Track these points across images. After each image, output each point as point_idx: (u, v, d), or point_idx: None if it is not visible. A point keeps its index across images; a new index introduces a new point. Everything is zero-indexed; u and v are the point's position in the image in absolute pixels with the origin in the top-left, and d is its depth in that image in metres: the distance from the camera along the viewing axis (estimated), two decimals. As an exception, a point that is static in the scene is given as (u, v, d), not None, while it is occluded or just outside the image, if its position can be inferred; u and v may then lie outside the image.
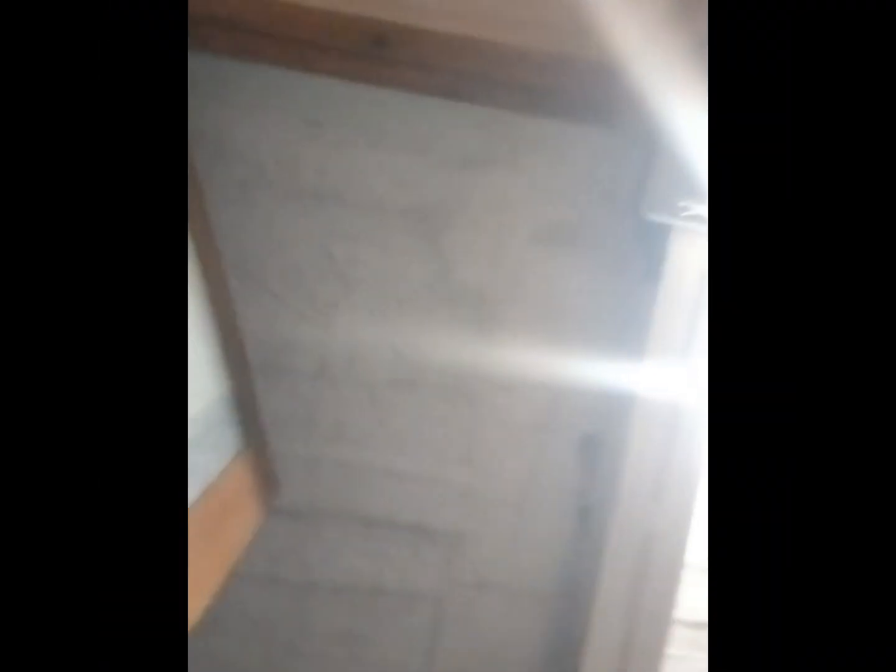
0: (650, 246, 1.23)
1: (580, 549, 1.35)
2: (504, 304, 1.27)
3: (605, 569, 1.29)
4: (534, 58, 1.11)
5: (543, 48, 1.10)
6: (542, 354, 1.28)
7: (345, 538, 1.33)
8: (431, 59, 1.11)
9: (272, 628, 1.37)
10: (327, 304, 1.28)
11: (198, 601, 0.86)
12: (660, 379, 1.24)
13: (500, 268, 1.26)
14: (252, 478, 1.10)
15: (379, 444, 1.31)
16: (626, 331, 1.27)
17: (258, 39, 1.12)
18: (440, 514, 1.33)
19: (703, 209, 1.15)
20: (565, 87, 1.11)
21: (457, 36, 1.10)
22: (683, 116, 1.07)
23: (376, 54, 1.11)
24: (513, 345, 1.28)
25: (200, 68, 1.19)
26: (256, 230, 1.25)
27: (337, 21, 1.10)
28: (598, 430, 1.31)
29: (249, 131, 1.22)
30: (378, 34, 1.10)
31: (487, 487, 1.33)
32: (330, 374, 1.29)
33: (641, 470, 1.27)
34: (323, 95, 1.22)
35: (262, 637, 1.37)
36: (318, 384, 1.29)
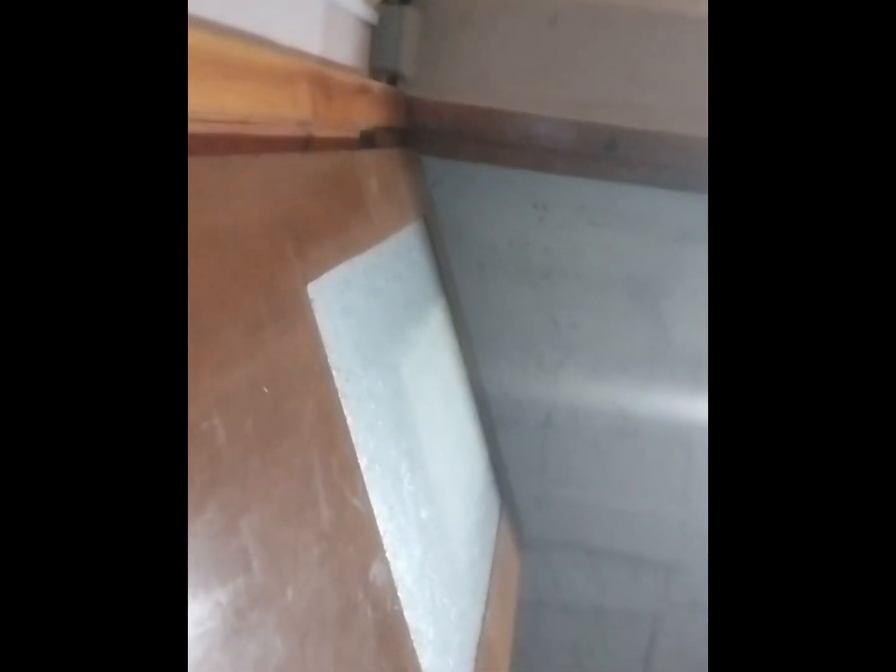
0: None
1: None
2: (717, 362, 1.39)
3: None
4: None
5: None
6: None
7: (571, 566, 1.52)
8: (659, 158, 1.23)
9: (507, 639, 1.58)
10: (553, 365, 1.44)
11: (503, 662, 1.05)
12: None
13: (713, 329, 1.38)
14: (512, 532, 1.29)
15: (601, 485, 1.47)
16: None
17: (500, 149, 1.27)
18: (657, 545, 1.49)
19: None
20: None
21: (683, 136, 1.21)
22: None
23: (608, 156, 1.24)
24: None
25: (444, 170, 1.35)
26: (491, 304, 1.42)
27: (572, 128, 1.23)
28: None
29: (484, 219, 1.38)
30: (610, 139, 1.23)
31: (701, 522, 1.47)
32: (556, 425, 1.46)
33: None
34: (548, 182, 1.36)
35: (499, 646, 1.58)
36: (547, 434, 1.47)
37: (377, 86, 1.07)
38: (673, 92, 1.22)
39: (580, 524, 1.49)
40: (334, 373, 0.67)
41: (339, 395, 0.67)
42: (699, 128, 1.21)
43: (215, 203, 0.56)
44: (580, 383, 1.44)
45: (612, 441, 1.45)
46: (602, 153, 1.24)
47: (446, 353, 1.20)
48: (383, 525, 0.70)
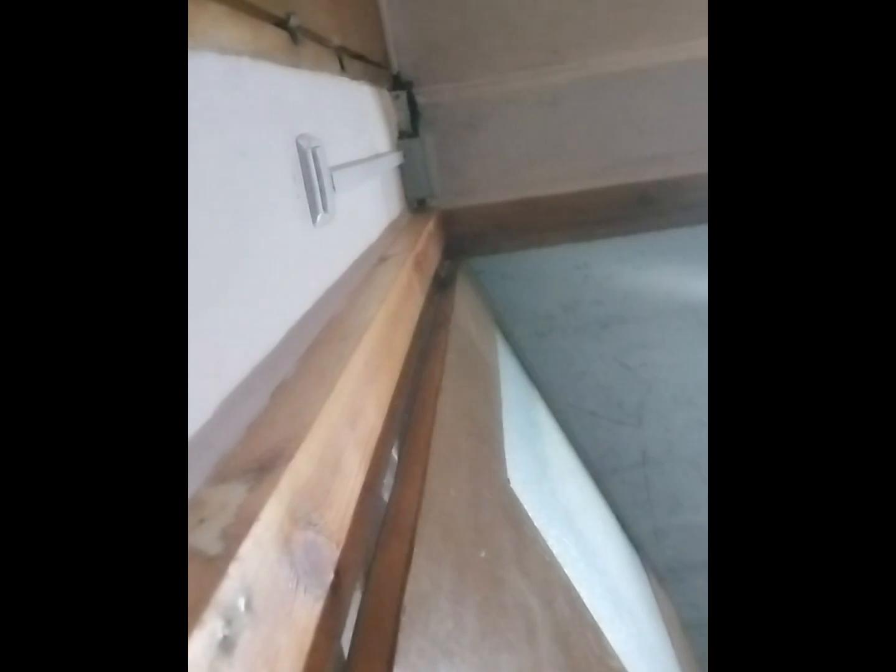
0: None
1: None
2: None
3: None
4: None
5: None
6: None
7: (705, 585, 1.58)
8: (688, 199, 1.29)
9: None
10: (635, 406, 1.50)
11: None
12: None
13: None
14: (649, 568, 1.35)
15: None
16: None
17: (546, 233, 1.33)
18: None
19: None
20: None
21: (705, 174, 1.28)
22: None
23: (642, 212, 1.30)
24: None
25: (486, 261, 1.41)
26: (562, 369, 1.48)
27: (608, 193, 1.29)
28: None
29: (533, 292, 1.44)
30: (640, 195, 1.29)
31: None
32: (653, 460, 1.53)
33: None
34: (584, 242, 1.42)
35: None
36: (647, 470, 1.53)
37: (433, 226, 1.13)
38: (683, 134, 1.28)
39: (702, 544, 1.56)
40: (548, 542, 0.72)
41: (559, 559, 0.72)
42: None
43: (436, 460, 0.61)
44: (664, 416, 1.50)
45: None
46: (637, 210, 1.30)
47: (555, 435, 1.26)
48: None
